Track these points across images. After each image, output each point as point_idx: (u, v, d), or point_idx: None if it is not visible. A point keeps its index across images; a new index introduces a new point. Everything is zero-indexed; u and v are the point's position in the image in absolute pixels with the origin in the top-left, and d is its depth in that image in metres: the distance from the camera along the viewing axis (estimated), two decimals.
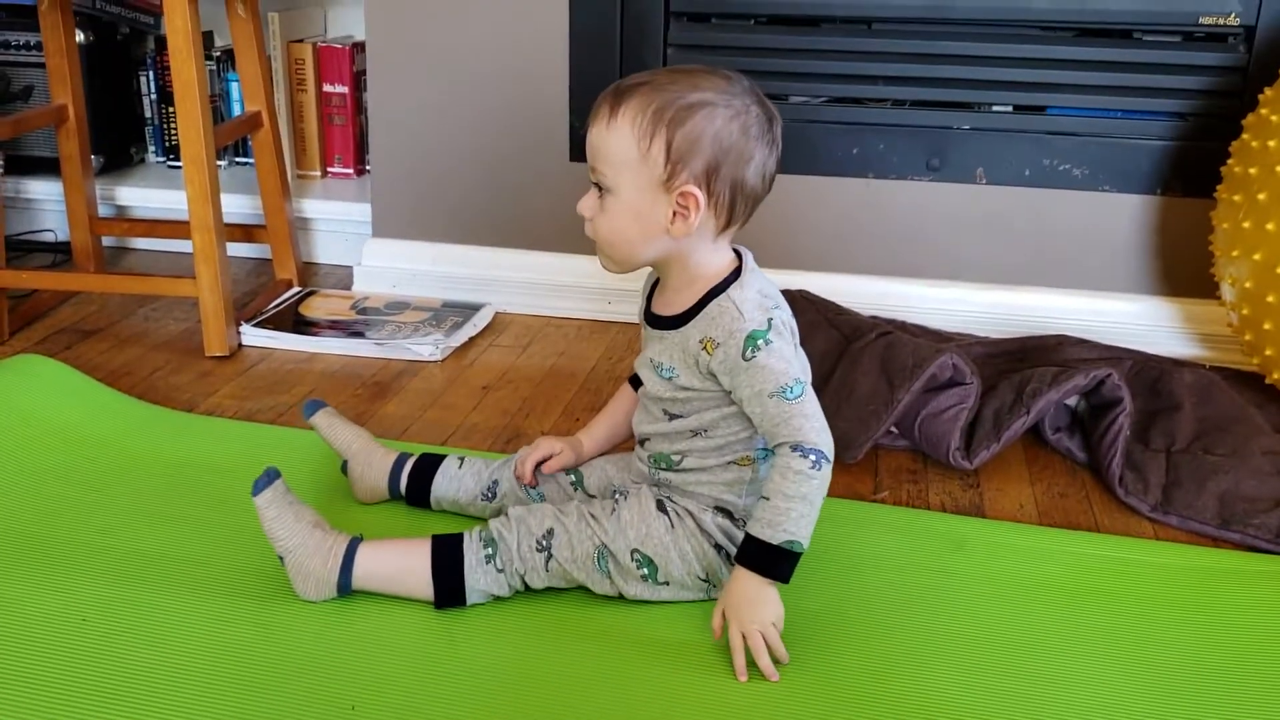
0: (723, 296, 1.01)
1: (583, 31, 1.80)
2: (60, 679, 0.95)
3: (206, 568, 1.11)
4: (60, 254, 2.07)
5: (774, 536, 0.96)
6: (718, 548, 1.05)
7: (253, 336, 1.72)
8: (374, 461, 1.23)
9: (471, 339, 1.76)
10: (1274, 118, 1.38)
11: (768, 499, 0.97)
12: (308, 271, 2.05)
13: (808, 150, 1.78)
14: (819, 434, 0.98)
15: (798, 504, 0.96)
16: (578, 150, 1.85)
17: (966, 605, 1.09)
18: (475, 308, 1.84)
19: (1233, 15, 1.62)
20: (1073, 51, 1.70)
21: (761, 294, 1.02)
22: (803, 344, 1.62)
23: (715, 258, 1.03)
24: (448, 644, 1.01)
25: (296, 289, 1.92)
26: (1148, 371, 1.51)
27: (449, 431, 1.46)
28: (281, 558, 1.05)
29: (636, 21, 1.79)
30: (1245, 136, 1.44)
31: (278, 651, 0.99)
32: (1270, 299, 1.34)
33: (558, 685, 0.96)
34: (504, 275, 1.89)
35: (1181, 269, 1.70)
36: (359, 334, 1.73)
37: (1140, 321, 1.72)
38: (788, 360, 0.99)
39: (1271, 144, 1.35)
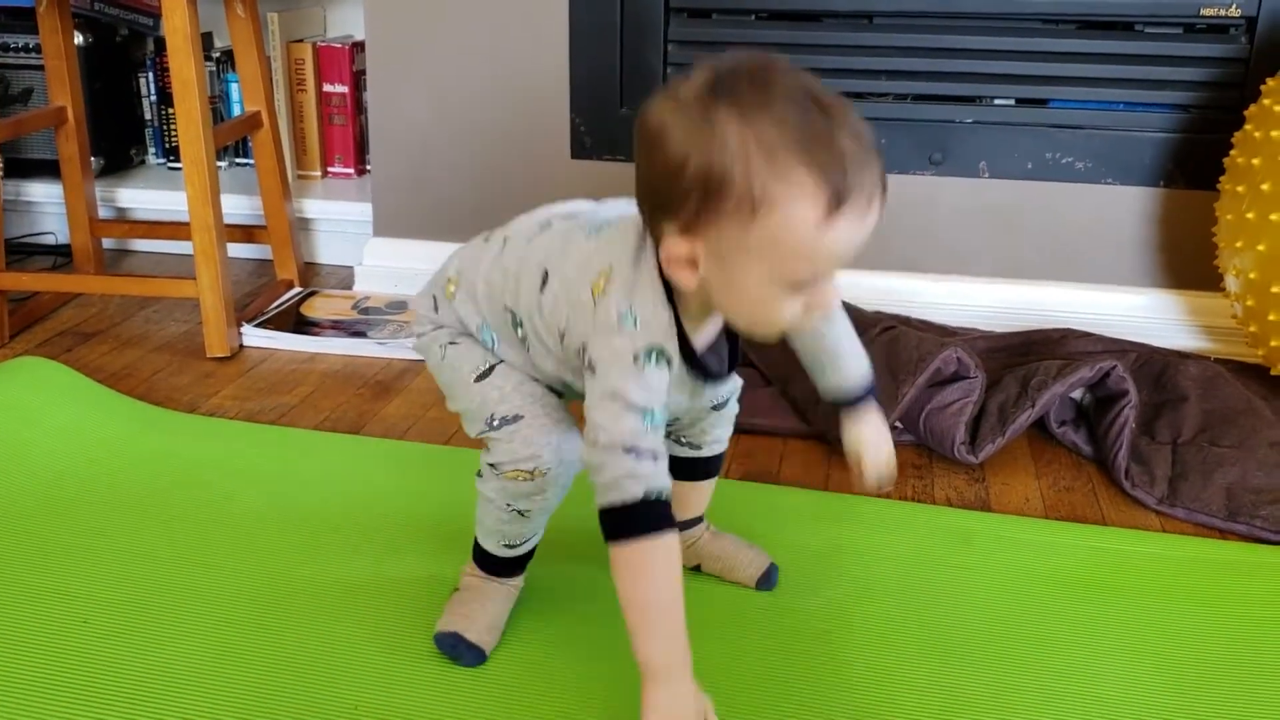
0: None
1: (583, 28, 1.80)
2: (61, 681, 0.94)
3: (208, 569, 1.11)
4: (61, 256, 2.07)
5: None
6: None
7: (254, 337, 1.71)
8: None
9: None
10: (1276, 108, 1.37)
11: None
12: (309, 272, 2.05)
13: None
14: None
15: None
16: (578, 147, 1.84)
17: (974, 600, 1.08)
18: None
19: (1234, 6, 1.61)
20: (1074, 44, 1.69)
21: None
22: None
23: None
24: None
25: (298, 289, 1.91)
26: (1153, 364, 1.50)
27: (450, 431, 1.45)
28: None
29: (636, 17, 1.79)
30: (1248, 127, 1.43)
31: (280, 653, 0.99)
32: (1275, 290, 1.33)
33: (568, 690, 0.96)
34: None
35: (1185, 261, 1.70)
36: (361, 334, 1.73)
37: (1145, 314, 1.71)
38: None
39: (1274, 134, 1.34)
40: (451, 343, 0.98)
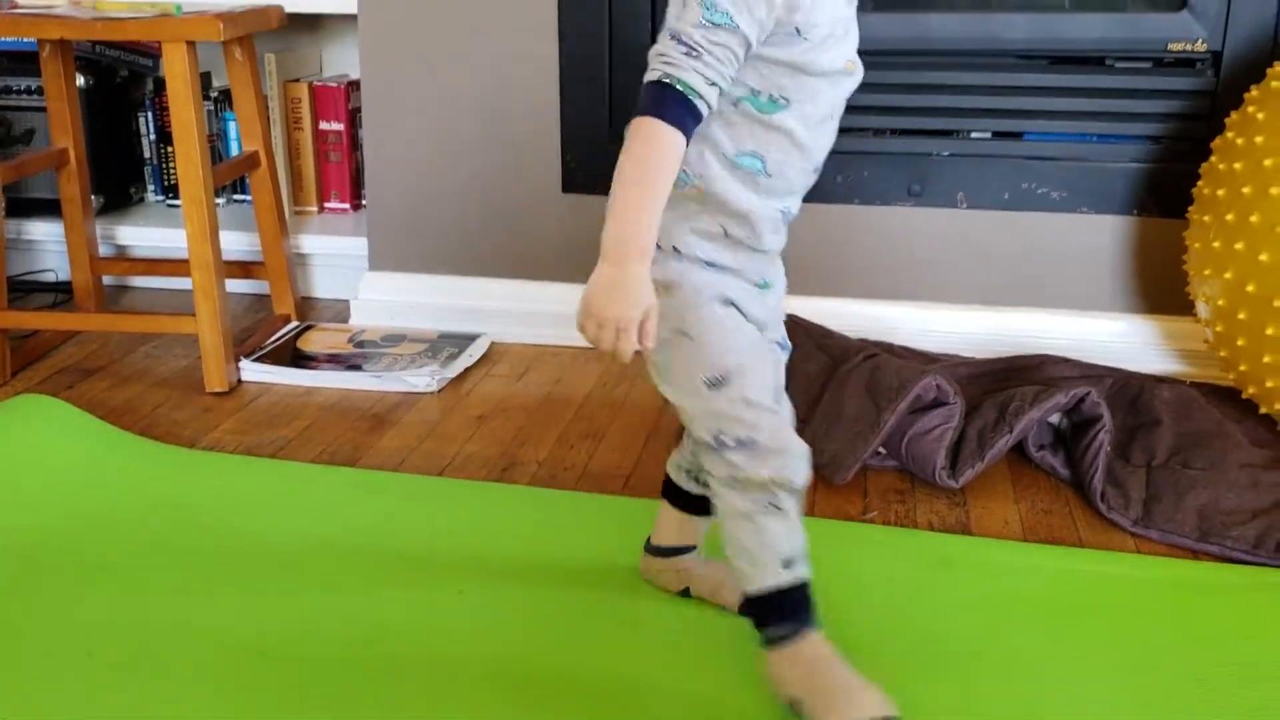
0: None
1: (573, 65, 1.85)
2: (66, 712, 0.97)
3: (210, 602, 1.14)
4: (61, 294, 2.11)
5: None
6: None
7: (252, 372, 1.75)
8: None
9: (467, 369, 1.80)
10: (1240, 141, 1.42)
11: None
12: (306, 306, 2.09)
13: None
14: None
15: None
16: (570, 181, 1.89)
17: (955, 622, 1.12)
18: (471, 338, 1.87)
19: (1200, 41, 1.67)
20: (1048, 79, 1.75)
21: None
22: (793, 369, 1.66)
23: None
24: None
25: (295, 324, 1.95)
26: (1128, 388, 1.55)
27: (445, 462, 1.49)
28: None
29: (625, 55, 1.84)
30: (1214, 159, 1.48)
31: (284, 686, 1.02)
32: (1242, 316, 1.38)
33: None
34: (499, 305, 1.93)
35: (1159, 287, 1.74)
36: (356, 367, 1.76)
37: (1120, 339, 1.76)
38: None
39: (1238, 166, 1.39)
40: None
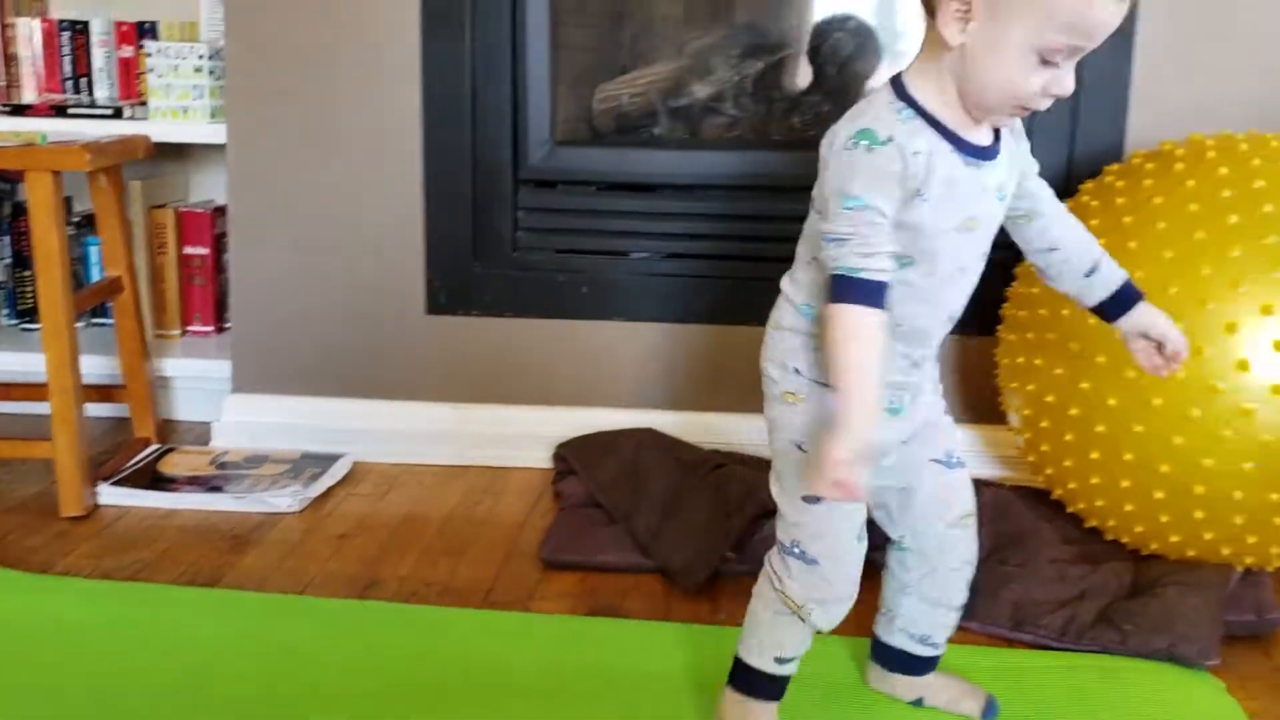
0: None
1: (437, 189, 1.94)
2: None
3: None
4: None
5: None
6: None
7: (110, 495, 1.74)
8: None
9: (330, 489, 1.82)
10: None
11: None
12: (167, 429, 2.09)
13: (650, 300, 1.94)
14: None
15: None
16: (434, 303, 1.96)
17: (796, 712, 1.19)
18: (334, 458, 1.90)
19: None
20: None
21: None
22: (647, 479, 1.74)
23: None
24: None
25: (155, 446, 1.95)
26: None
27: (306, 581, 1.51)
28: None
29: (488, 185, 1.94)
30: (1016, 284, 1.66)
31: None
32: (1044, 424, 1.53)
33: None
34: (363, 425, 1.97)
35: (978, 398, 1.90)
36: (218, 489, 1.77)
37: None
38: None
39: (1035, 290, 1.56)
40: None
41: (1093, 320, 1.47)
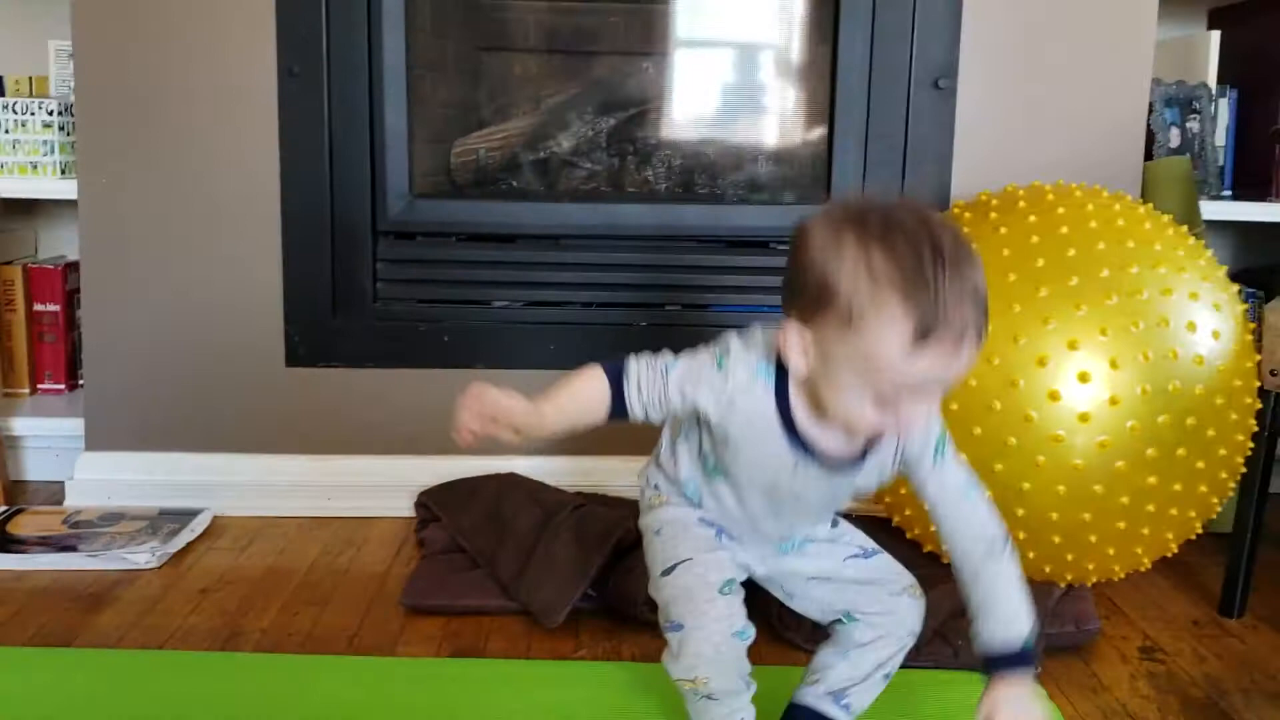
0: None
1: (295, 246, 1.95)
2: None
3: None
4: None
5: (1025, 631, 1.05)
6: None
7: None
8: None
9: (190, 544, 1.80)
10: None
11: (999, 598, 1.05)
12: (17, 490, 2.03)
13: (512, 348, 1.99)
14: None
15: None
16: (293, 355, 1.97)
17: None
18: (194, 513, 1.88)
19: None
20: (724, 260, 2.02)
21: None
22: (510, 522, 1.78)
23: None
24: None
25: (3, 508, 1.89)
26: None
27: (166, 636, 1.49)
28: None
29: (347, 237, 1.97)
30: None
31: None
32: None
33: None
34: (222, 480, 1.95)
35: None
36: (71, 548, 1.73)
37: None
38: None
39: None
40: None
41: None
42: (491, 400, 1.06)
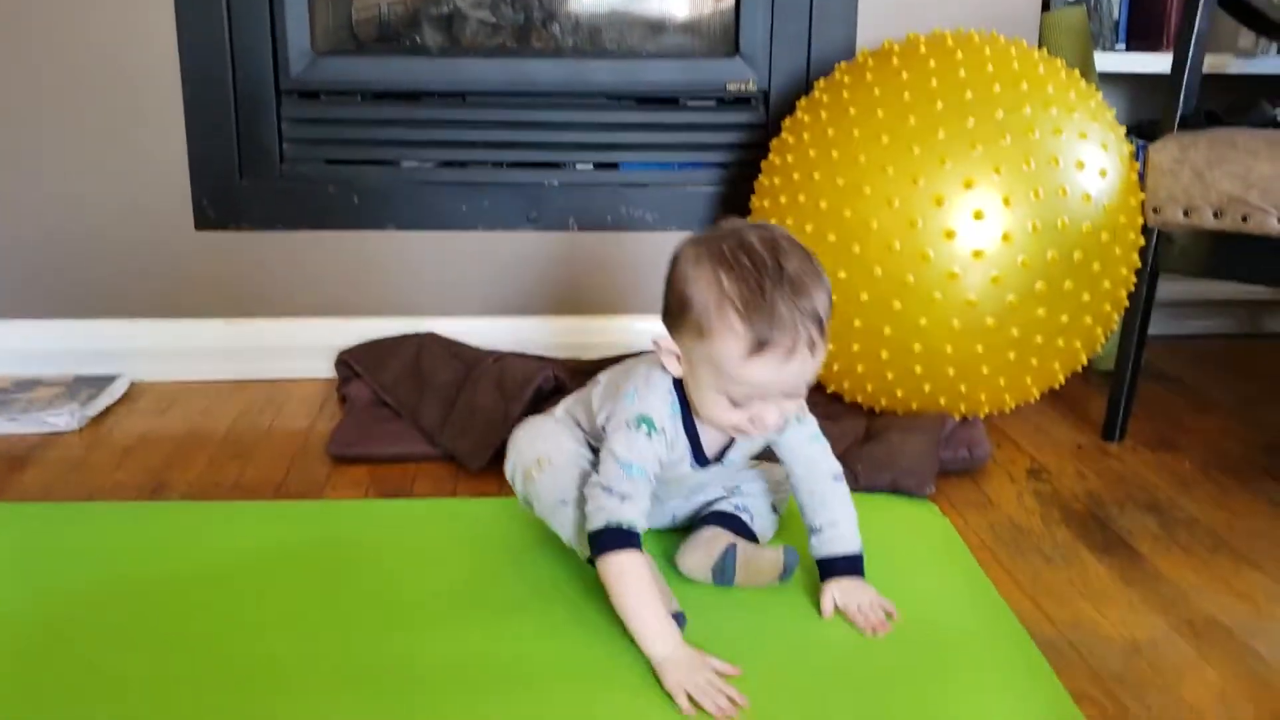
0: None
1: (198, 106, 1.92)
2: None
3: None
4: None
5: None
6: None
7: None
8: None
9: (108, 408, 1.80)
10: (778, 160, 1.75)
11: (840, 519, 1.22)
12: None
13: (423, 208, 1.99)
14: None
15: None
16: (202, 218, 1.95)
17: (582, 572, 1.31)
18: (110, 379, 1.88)
19: (750, 82, 2.02)
20: (635, 116, 2.03)
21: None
22: (431, 375, 1.81)
23: None
24: None
25: None
26: None
27: (92, 490, 1.51)
28: None
29: (250, 97, 1.93)
30: (762, 179, 1.81)
31: None
32: None
33: None
34: (137, 345, 1.95)
35: None
36: None
37: None
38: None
39: (777, 181, 1.72)
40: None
41: (823, 202, 1.64)
42: (719, 681, 1.05)
